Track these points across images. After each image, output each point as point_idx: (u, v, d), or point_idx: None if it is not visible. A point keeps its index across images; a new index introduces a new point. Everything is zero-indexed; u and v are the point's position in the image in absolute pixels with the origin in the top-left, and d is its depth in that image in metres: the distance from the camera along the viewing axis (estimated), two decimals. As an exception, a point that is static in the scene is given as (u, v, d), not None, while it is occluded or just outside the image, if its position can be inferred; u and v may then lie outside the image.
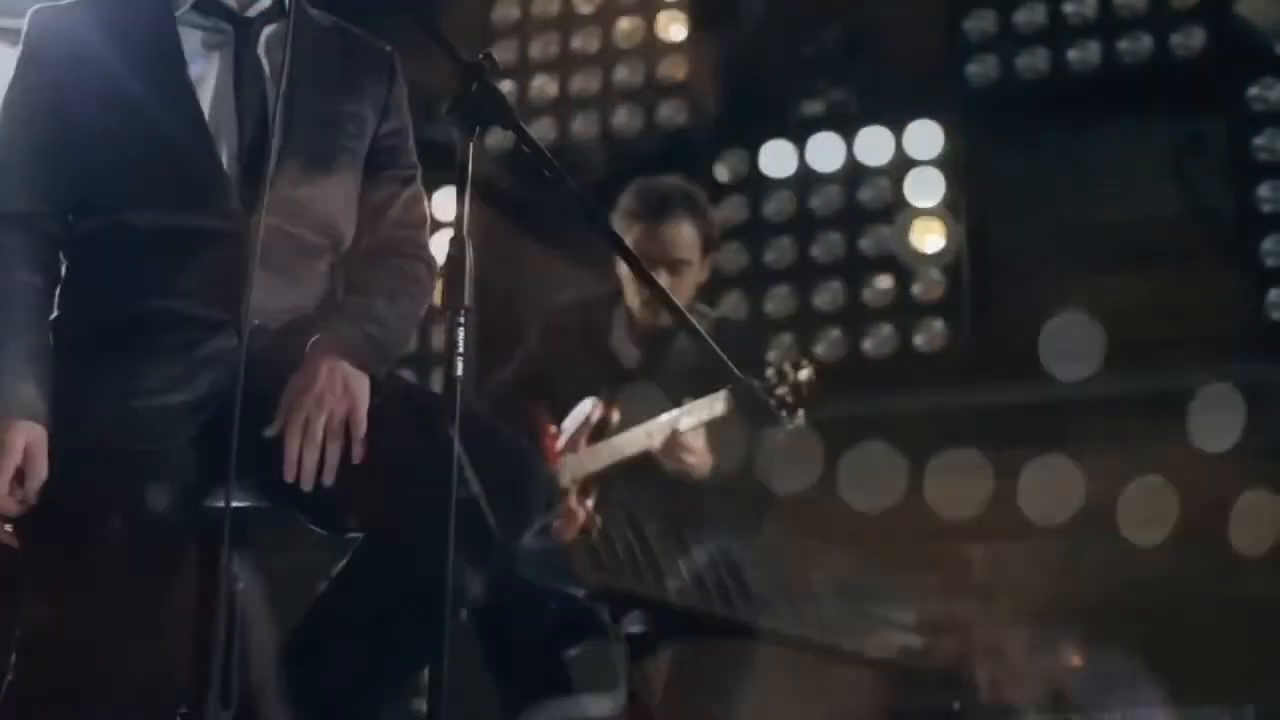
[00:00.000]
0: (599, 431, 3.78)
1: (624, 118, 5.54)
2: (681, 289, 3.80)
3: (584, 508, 3.73)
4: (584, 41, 5.66)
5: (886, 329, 5.02)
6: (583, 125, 5.59)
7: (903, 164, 5.12)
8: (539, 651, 3.58)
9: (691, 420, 3.54)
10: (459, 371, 2.01)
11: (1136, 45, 4.88)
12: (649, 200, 3.77)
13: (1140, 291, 4.94)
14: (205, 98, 2.38)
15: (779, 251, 5.22)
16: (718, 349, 2.21)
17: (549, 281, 4.78)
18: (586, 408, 3.83)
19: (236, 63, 2.41)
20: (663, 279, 3.74)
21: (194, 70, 2.39)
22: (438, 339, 5.70)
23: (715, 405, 3.50)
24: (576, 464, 3.79)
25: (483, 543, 2.16)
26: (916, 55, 5.29)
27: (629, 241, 3.75)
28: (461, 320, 2.04)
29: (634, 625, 3.75)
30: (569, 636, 3.70)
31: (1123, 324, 4.93)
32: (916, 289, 5.01)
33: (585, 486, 3.77)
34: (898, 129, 5.14)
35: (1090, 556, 4.81)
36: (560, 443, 3.88)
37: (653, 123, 5.49)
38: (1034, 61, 5.02)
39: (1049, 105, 5.08)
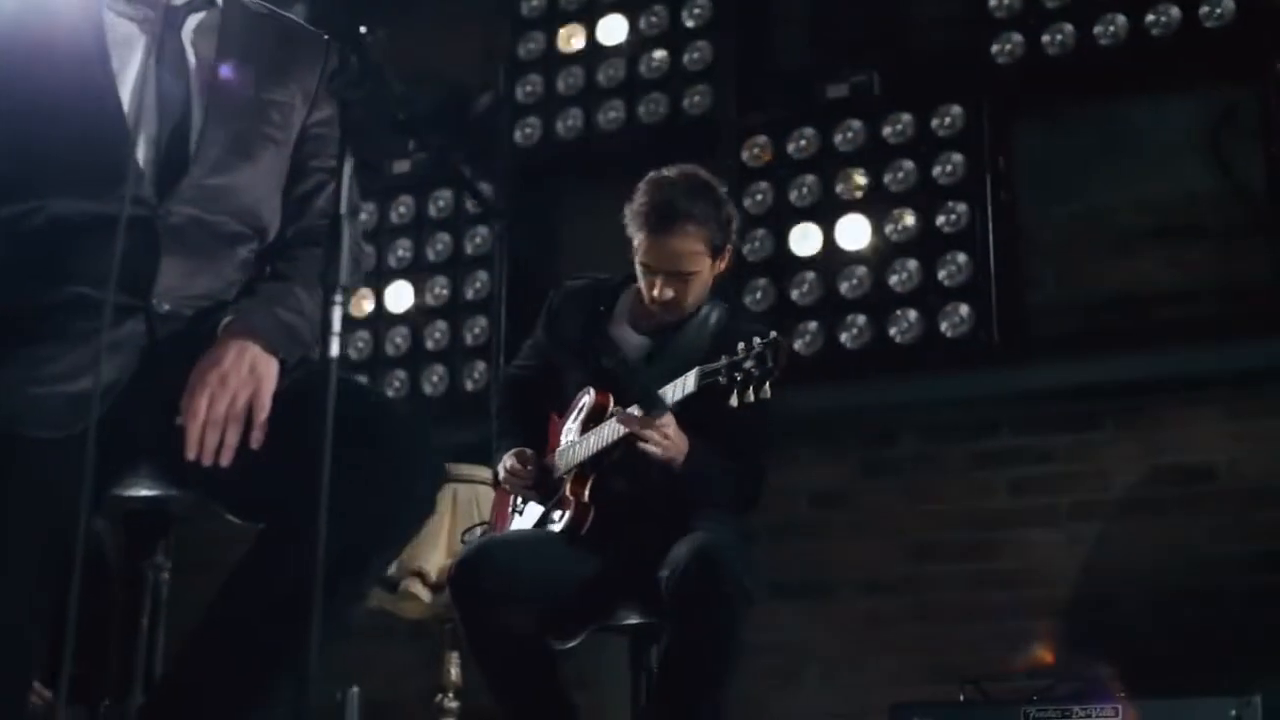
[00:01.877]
0: (593, 420, 3.75)
1: (650, 106, 5.50)
2: (688, 292, 3.73)
3: (578, 497, 3.70)
4: (610, 31, 5.64)
5: (912, 315, 4.92)
6: (610, 115, 5.57)
7: (929, 145, 5.02)
8: (528, 644, 3.56)
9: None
10: (333, 352, 1.98)
11: (1164, 17, 4.74)
12: (655, 210, 3.67)
13: (1173, 270, 4.81)
14: (126, 86, 2.38)
15: (805, 238, 5.14)
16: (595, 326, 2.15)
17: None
18: (585, 397, 3.81)
19: (160, 50, 2.40)
20: (666, 287, 3.69)
21: (117, 58, 2.39)
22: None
23: (687, 384, 3.45)
24: (570, 453, 3.76)
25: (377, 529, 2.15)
26: (941, 35, 5.20)
27: (637, 246, 3.71)
28: (337, 299, 2.01)
29: (632, 616, 3.72)
30: (561, 629, 3.70)
31: (1156, 304, 4.81)
32: (942, 274, 4.91)
33: (581, 475, 3.74)
34: (923, 110, 5.04)
35: (1122, 544, 4.71)
36: (561, 433, 3.86)
37: (679, 110, 5.45)
38: (1060, 38, 4.90)
39: (1076, 82, 4.95)
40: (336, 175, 2.00)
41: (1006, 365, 4.85)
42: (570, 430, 3.82)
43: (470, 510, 4.68)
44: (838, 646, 4.98)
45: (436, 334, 5.68)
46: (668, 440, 3.49)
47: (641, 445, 3.50)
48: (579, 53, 5.68)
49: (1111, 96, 4.94)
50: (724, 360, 3.36)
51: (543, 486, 3.81)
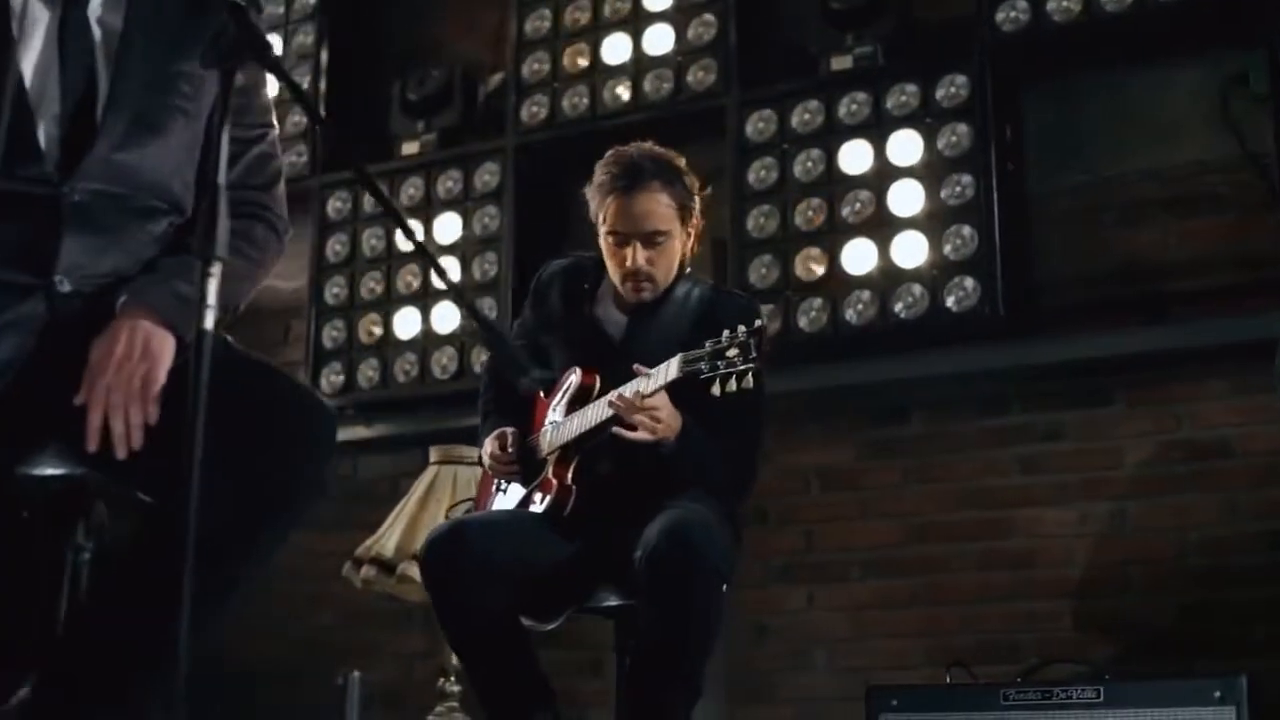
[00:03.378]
0: (579, 401, 3.70)
1: (655, 83, 5.44)
2: (663, 260, 3.69)
3: (560, 479, 3.65)
4: (614, 8, 5.58)
5: (917, 289, 4.82)
6: (615, 91, 5.51)
7: (933, 117, 4.92)
8: (500, 624, 3.52)
9: (648, 387, 3.44)
10: (208, 325, 1.93)
11: (1172, -19, 4.63)
12: (620, 173, 3.65)
13: (1183, 240, 4.69)
14: (29, 64, 2.34)
15: (809, 213, 5.06)
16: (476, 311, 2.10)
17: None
18: (572, 377, 3.76)
19: (63, 27, 2.37)
20: (641, 252, 3.65)
21: (18, 34, 2.34)
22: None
23: (669, 370, 3.39)
24: (555, 434, 3.72)
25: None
26: (945, 4, 5.09)
27: (605, 216, 3.67)
28: (212, 271, 1.95)
29: (611, 597, 3.68)
30: (539, 610, 3.66)
31: (1166, 275, 4.70)
32: (948, 247, 4.80)
33: (565, 457, 3.69)
34: (927, 81, 4.94)
35: (1134, 521, 4.61)
36: (546, 413, 3.82)
37: (682, 86, 5.38)
38: (1066, 4, 4.78)
39: (1082, 49, 4.83)
40: (215, 145, 1.95)
41: (1014, 340, 4.75)
42: (555, 410, 3.77)
43: (470, 493, 4.66)
44: (846, 628, 4.91)
45: (445, 315, 5.65)
46: (659, 422, 3.45)
47: (628, 434, 3.45)
48: (584, 29, 5.62)
49: (1119, 64, 4.82)
50: (708, 347, 3.30)
51: (526, 468, 3.77)
